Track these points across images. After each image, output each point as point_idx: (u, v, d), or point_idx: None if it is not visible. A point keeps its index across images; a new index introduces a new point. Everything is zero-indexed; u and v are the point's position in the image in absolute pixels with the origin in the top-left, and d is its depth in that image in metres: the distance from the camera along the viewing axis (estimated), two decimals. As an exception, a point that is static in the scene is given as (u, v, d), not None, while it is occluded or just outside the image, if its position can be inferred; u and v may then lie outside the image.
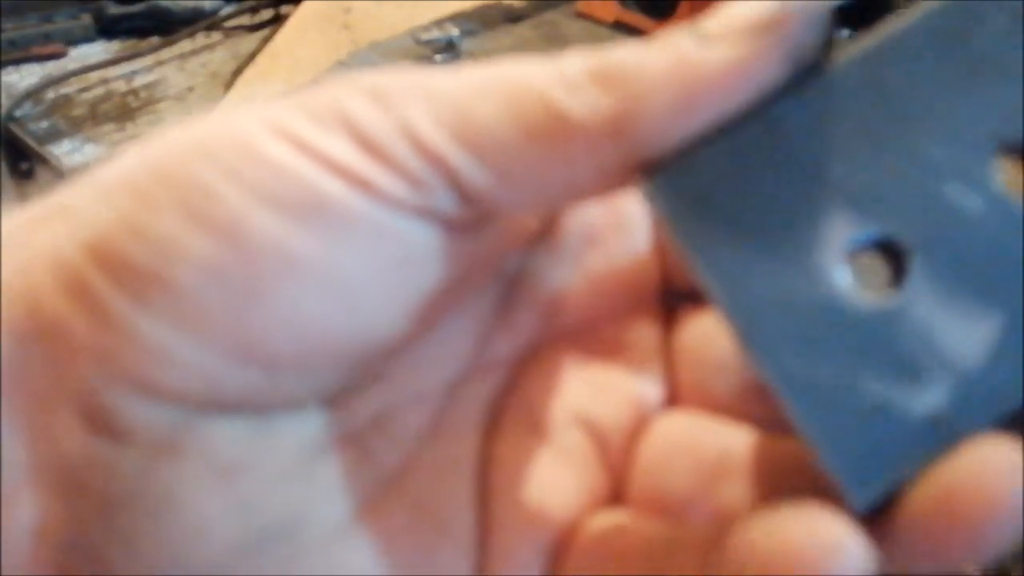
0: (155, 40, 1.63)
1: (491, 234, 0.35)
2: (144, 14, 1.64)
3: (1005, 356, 0.29)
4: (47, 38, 1.60)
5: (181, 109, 1.64)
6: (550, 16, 1.81)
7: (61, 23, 1.62)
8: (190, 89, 1.61)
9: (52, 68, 1.59)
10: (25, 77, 1.57)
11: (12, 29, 1.60)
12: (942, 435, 0.29)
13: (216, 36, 1.68)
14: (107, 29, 1.65)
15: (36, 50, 1.59)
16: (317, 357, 0.32)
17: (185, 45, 1.64)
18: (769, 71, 0.29)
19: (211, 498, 0.31)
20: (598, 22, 1.78)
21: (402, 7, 1.74)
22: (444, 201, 0.31)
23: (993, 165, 0.30)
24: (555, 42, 1.74)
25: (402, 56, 1.72)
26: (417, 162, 0.31)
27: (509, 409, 0.37)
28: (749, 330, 0.29)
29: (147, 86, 1.58)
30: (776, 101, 0.30)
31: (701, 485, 0.34)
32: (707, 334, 0.37)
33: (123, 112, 1.56)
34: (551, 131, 0.30)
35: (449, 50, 1.70)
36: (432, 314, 0.34)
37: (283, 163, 0.30)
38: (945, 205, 0.29)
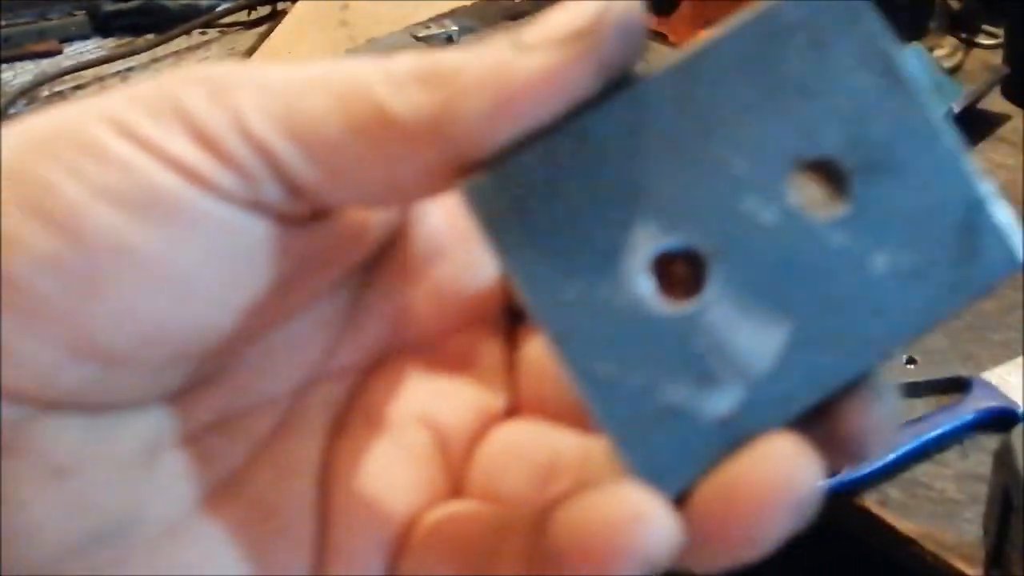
0: (151, 37, 1.62)
1: (329, 233, 0.35)
2: (139, 11, 1.62)
3: (792, 364, 0.31)
4: (42, 35, 1.59)
5: (177, 107, 1.61)
6: (551, 11, 1.79)
7: (56, 20, 1.60)
8: (186, 87, 1.59)
9: (47, 66, 1.57)
10: (19, 75, 1.55)
11: (6, 26, 1.58)
12: (732, 436, 0.30)
13: (212, 33, 1.67)
14: (102, 26, 1.63)
15: (31, 47, 1.57)
16: (154, 353, 0.32)
17: (181, 42, 1.63)
18: (581, 80, 0.30)
19: (45, 498, 0.31)
20: (599, 17, 1.75)
21: (400, 4, 1.72)
22: (273, 194, 0.31)
23: (789, 180, 0.31)
24: (556, 37, 1.71)
25: (400, 52, 1.69)
26: (247, 154, 0.31)
27: (354, 413, 0.38)
28: (557, 332, 0.30)
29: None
30: (591, 110, 0.30)
31: (533, 485, 0.36)
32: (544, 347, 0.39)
33: (118, 110, 1.54)
34: (375, 127, 0.31)
35: (447, 46, 1.68)
36: (271, 312, 0.34)
37: (121, 158, 0.30)
38: (743, 218, 0.31)
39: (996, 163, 1.31)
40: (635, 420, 0.30)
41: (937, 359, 1.04)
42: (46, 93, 1.51)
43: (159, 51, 1.59)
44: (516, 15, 1.78)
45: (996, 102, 1.40)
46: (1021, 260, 0.32)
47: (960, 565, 0.89)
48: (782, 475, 0.29)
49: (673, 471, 0.30)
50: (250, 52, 1.60)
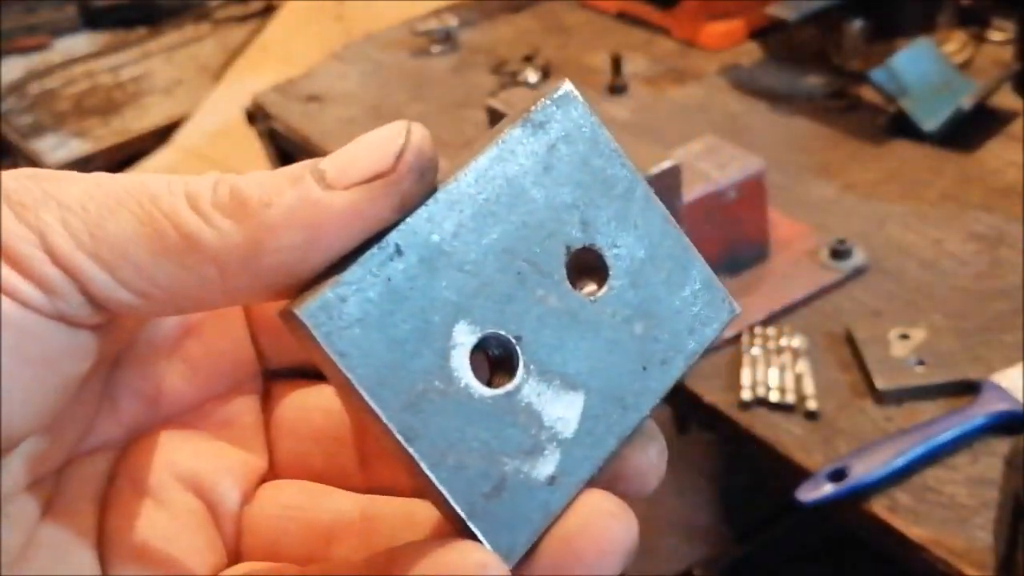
0: (142, 31, 1.60)
1: (116, 330, 0.37)
2: (131, 5, 1.61)
3: (591, 423, 0.37)
4: (31, 30, 1.56)
5: (169, 103, 1.60)
6: (552, 6, 1.77)
7: (45, 14, 1.58)
8: (178, 82, 1.57)
9: (36, 61, 1.55)
10: (8, 71, 1.53)
11: (-6, 20, 1.56)
12: (558, 494, 0.36)
13: (205, 27, 1.65)
14: (93, 20, 1.61)
15: (20, 42, 1.55)
16: None
17: (173, 37, 1.61)
18: (383, 215, 0.33)
19: None
20: (601, 12, 1.74)
21: (397, -2, 1.70)
22: (79, 308, 0.33)
23: (563, 268, 0.36)
24: (557, 33, 1.70)
25: (399, 47, 1.67)
26: (53, 273, 0.32)
27: (120, 483, 0.39)
28: (406, 435, 0.34)
29: (134, 79, 1.53)
30: (397, 223, 0.34)
31: (316, 547, 0.39)
32: (304, 408, 0.42)
33: (109, 106, 1.52)
34: (182, 252, 0.32)
35: (447, 41, 1.66)
36: (55, 407, 0.35)
37: None
38: (535, 305, 0.36)
39: (1006, 160, 1.28)
40: (481, 499, 0.35)
41: (946, 361, 1.02)
42: (35, 89, 1.49)
43: (151, 46, 1.58)
44: (517, 7, 1.76)
45: (1007, 98, 1.37)
46: (737, 308, 0.40)
47: (971, 572, 0.87)
48: (614, 530, 0.35)
49: (517, 536, 0.35)
50: (242, 47, 1.57)
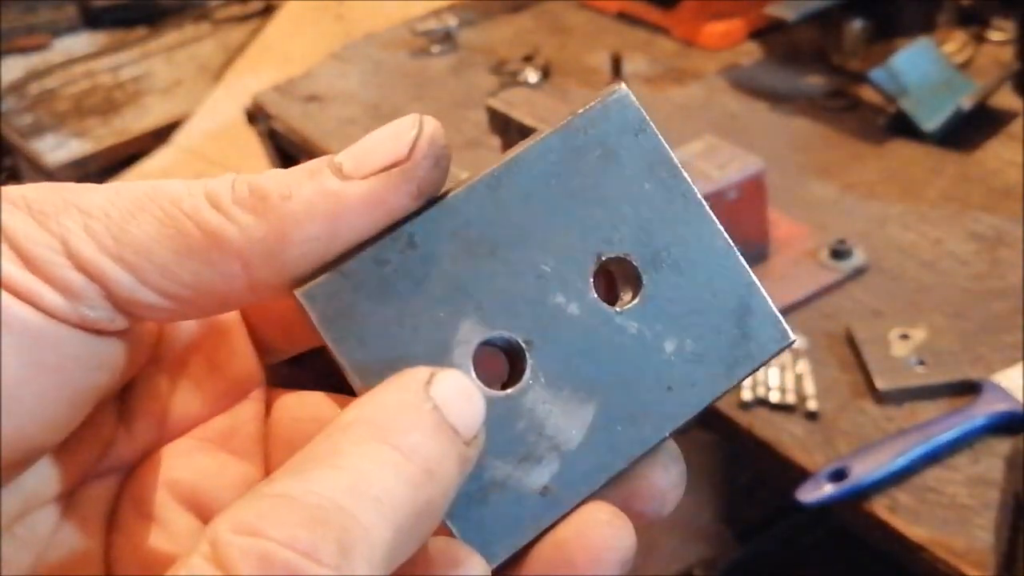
0: (142, 31, 1.60)
1: (135, 340, 0.37)
2: (131, 5, 1.61)
3: (599, 438, 0.36)
4: (31, 30, 1.56)
5: (169, 103, 1.60)
6: (552, 6, 1.77)
7: (45, 14, 1.58)
8: (178, 82, 1.57)
9: (36, 61, 1.55)
10: (8, 71, 1.53)
11: (-6, 20, 1.56)
12: (552, 505, 0.35)
13: (205, 27, 1.65)
14: (93, 20, 1.61)
15: (19, 42, 1.55)
16: None
17: (173, 37, 1.61)
18: (402, 203, 0.34)
19: None
20: (601, 12, 1.73)
21: (398, -3, 1.70)
22: (102, 313, 0.34)
23: (591, 276, 0.36)
24: (557, 33, 1.70)
25: (399, 47, 1.67)
26: (75, 276, 0.33)
27: (124, 506, 0.39)
28: None
29: (134, 79, 1.53)
30: (412, 217, 0.34)
31: None
32: (298, 418, 0.41)
33: (109, 106, 1.52)
34: (206, 249, 0.33)
35: (446, 41, 1.66)
36: (73, 420, 0.35)
37: None
38: (552, 311, 0.36)
39: (1006, 160, 1.28)
40: (465, 498, 0.34)
41: (947, 361, 1.02)
42: (35, 89, 1.49)
43: (151, 45, 1.57)
44: (518, 7, 1.76)
45: (1007, 98, 1.37)
46: (791, 337, 0.38)
47: (971, 572, 0.87)
48: (608, 538, 0.35)
49: (499, 539, 0.35)
50: (242, 47, 1.57)
